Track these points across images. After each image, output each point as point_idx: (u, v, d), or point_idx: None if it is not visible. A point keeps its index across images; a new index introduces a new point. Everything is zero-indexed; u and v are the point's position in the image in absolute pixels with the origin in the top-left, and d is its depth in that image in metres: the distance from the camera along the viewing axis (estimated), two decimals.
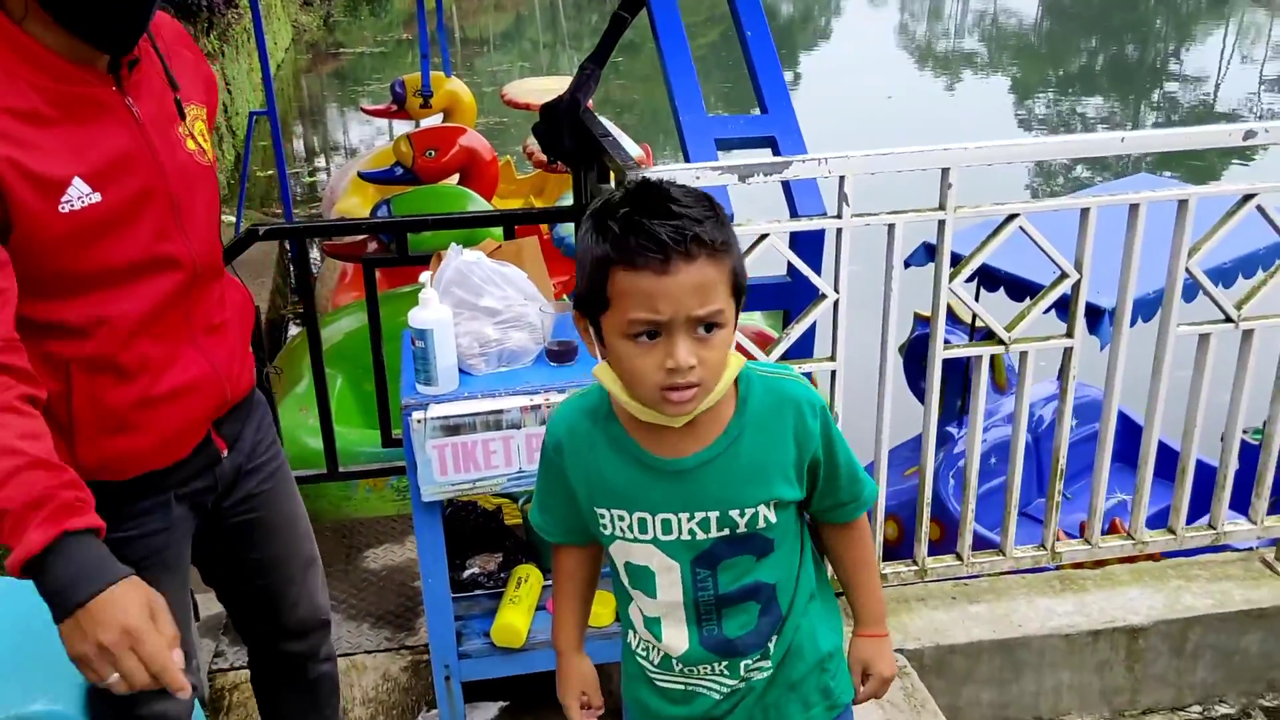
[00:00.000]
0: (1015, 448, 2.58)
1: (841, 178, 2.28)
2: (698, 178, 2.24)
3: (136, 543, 1.59)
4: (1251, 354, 2.56)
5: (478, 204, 5.21)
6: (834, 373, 2.45)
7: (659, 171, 2.22)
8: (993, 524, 4.57)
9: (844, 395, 2.46)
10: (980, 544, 2.74)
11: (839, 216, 2.31)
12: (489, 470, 2.08)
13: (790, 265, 2.52)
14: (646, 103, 14.53)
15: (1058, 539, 2.70)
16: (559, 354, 2.17)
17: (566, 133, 2.74)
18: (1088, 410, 4.52)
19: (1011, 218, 2.35)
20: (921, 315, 5.05)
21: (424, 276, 2.04)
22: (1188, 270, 2.43)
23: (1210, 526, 2.76)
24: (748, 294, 1.30)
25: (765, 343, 2.48)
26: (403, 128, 7.79)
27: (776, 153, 2.58)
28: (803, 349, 2.46)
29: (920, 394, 4.96)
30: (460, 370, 2.12)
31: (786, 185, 2.51)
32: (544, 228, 5.43)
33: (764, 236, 2.31)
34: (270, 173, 9.71)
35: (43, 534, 1.22)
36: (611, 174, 2.49)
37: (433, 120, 7.60)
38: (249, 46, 13.65)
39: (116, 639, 1.24)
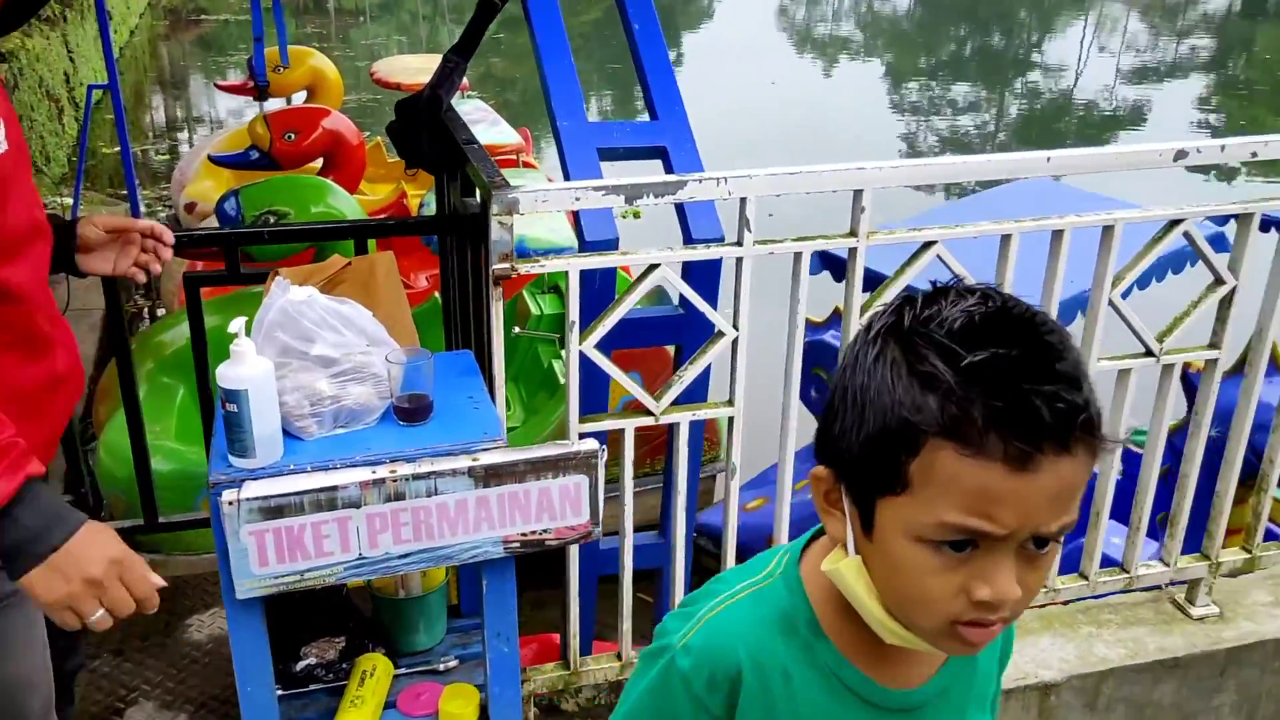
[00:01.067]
0: None
1: (743, 200, 1.98)
2: (578, 199, 1.91)
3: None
4: (1171, 389, 2.37)
5: (338, 197, 4.75)
6: (731, 419, 2.15)
7: (530, 192, 1.88)
8: None
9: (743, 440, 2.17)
10: None
11: (739, 244, 2.01)
12: (321, 559, 1.71)
13: (683, 297, 2.21)
14: (529, 81, 14.08)
15: None
16: (409, 411, 1.82)
17: (426, 135, 2.37)
18: None
19: (928, 245, 2.09)
20: (813, 320, 4.83)
21: (235, 325, 1.65)
22: (1110, 302, 2.21)
23: (1123, 569, 2.57)
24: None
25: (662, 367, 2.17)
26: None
27: (668, 165, 2.27)
28: (695, 390, 2.16)
29: (810, 403, 4.78)
30: (286, 435, 1.75)
31: (680, 205, 2.19)
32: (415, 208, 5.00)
33: (653, 267, 1.99)
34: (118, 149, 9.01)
35: (7, 483, 1.28)
36: (476, 190, 2.13)
37: (295, 100, 7.06)
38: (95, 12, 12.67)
39: (105, 569, 1.33)
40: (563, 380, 4.82)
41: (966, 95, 16.86)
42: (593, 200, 1.91)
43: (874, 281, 2.11)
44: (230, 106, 12.62)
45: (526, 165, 6.36)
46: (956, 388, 0.80)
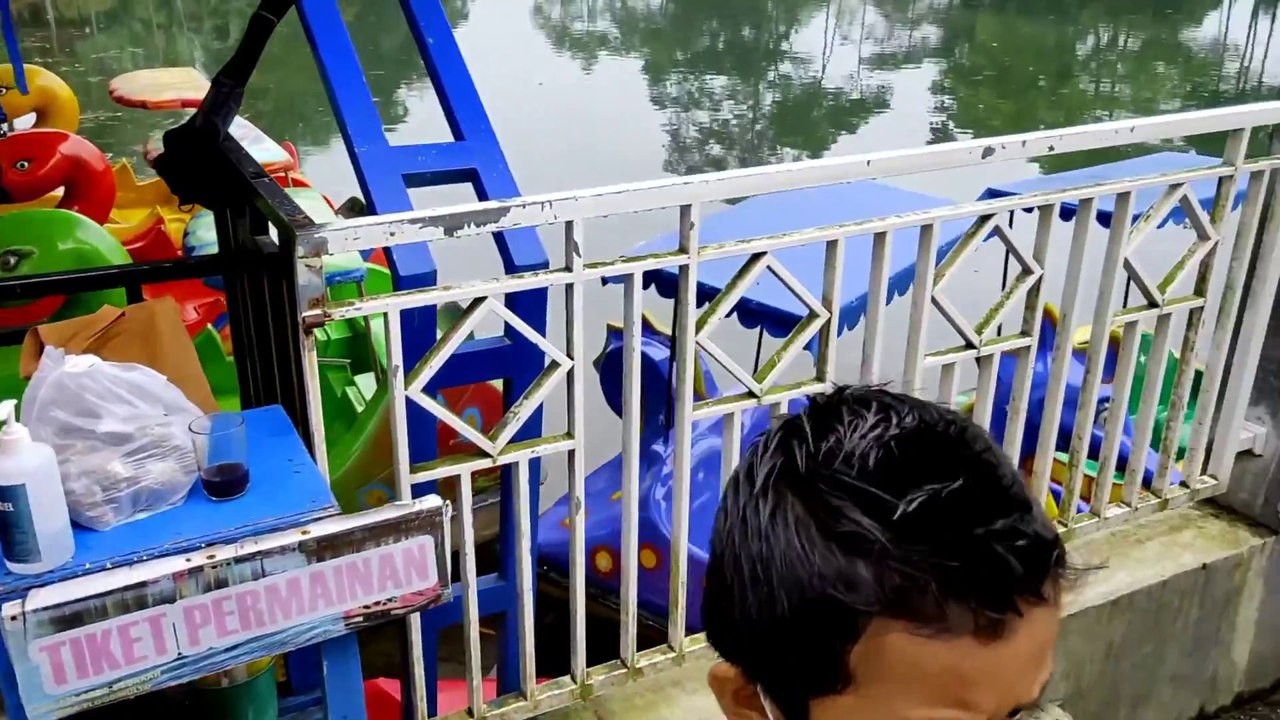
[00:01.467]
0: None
1: (569, 223, 1.87)
2: (392, 234, 1.74)
3: None
4: (990, 380, 2.43)
5: (89, 231, 4.31)
6: (572, 452, 2.04)
7: (339, 230, 1.70)
8: (705, 541, 4.41)
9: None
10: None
11: (569, 269, 1.90)
12: (133, 665, 1.48)
13: (509, 325, 2.08)
14: (282, 88, 13.40)
15: None
16: (222, 485, 1.61)
17: (203, 168, 2.13)
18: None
19: (757, 256, 2.05)
20: (614, 326, 4.78)
21: (2, 410, 1.40)
22: (934, 299, 2.24)
23: None
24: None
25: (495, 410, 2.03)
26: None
27: (480, 188, 2.12)
28: (530, 424, 2.03)
29: (620, 408, 4.73)
30: (76, 528, 1.50)
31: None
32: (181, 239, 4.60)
33: (479, 301, 1.85)
34: None
35: None
36: (271, 226, 1.92)
37: (23, 124, 6.38)
38: None
39: None
40: (359, 409, 4.57)
41: (724, 87, 17.41)
42: (409, 234, 1.75)
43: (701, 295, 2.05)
44: None
45: (297, 184, 6.01)
46: (893, 548, 0.62)
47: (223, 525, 1.55)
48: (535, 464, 2.06)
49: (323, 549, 1.57)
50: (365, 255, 4.74)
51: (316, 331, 3.44)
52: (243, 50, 2.19)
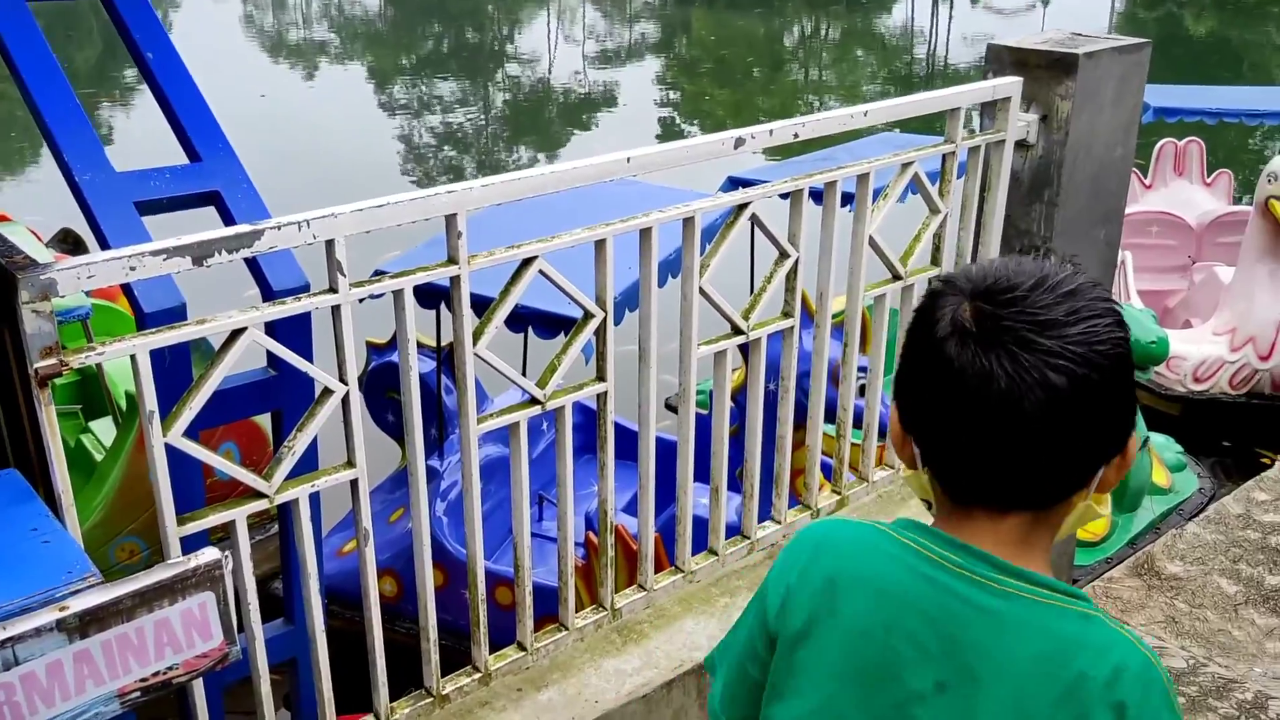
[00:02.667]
0: (519, 530, 2.27)
1: (330, 242, 1.77)
2: (133, 268, 1.59)
3: None
4: (760, 362, 2.51)
5: None
6: (355, 482, 1.94)
7: (69, 268, 1.53)
8: (490, 551, 4.33)
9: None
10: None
11: (334, 290, 1.80)
12: None
13: (272, 354, 1.95)
14: None
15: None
16: None
17: None
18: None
19: (528, 262, 2.01)
20: (374, 343, 4.61)
21: None
22: (701, 290, 2.29)
23: (744, 536, 2.71)
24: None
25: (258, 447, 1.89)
26: None
27: (224, 210, 1.97)
28: (306, 459, 1.91)
29: (387, 427, 4.57)
30: None
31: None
32: None
33: (239, 332, 1.72)
34: None
35: None
36: None
37: None
38: None
39: None
40: (98, 457, 4.19)
41: (453, 91, 17.26)
42: (152, 267, 1.60)
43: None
44: None
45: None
46: None
47: None
48: (316, 499, 1.95)
49: (86, 624, 1.41)
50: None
51: None
52: None
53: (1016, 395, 0.98)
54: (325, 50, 21.13)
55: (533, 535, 4.35)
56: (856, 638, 1.09)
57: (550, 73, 19.29)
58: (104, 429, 4.32)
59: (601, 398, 2.23)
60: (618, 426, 2.32)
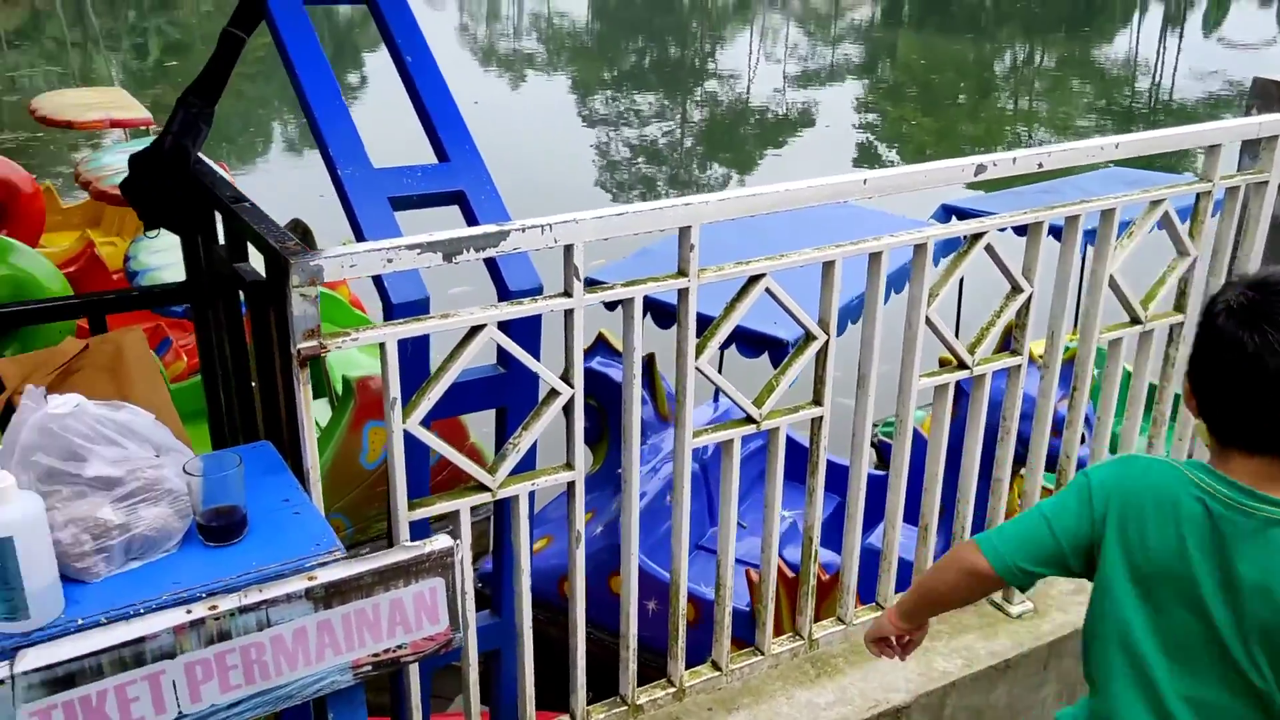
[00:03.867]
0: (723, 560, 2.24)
1: (569, 247, 1.81)
2: (390, 260, 1.66)
3: None
4: (983, 399, 2.42)
5: (23, 256, 4.12)
6: (571, 484, 1.97)
7: (335, 256, 1.62)
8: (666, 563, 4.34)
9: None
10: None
11: (568, 294, 1.84)
12: None
13: (502, 352, 2.01)
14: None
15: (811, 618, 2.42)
16: (220, 530, 1.51)
17: (173, 192, 2.03)
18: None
19: (755, 279, 2.01)
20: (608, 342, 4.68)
21: None
22: (927, 319, 2.22)
23: None
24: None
25: (457, 440, 1.94)
26: None
27: (467, 210, 2.05)
28: (527, 457, 1.96)
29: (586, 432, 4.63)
30: (64, 580, 1.40)
31: None
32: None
33: (477, 329, 1.78)
34: None
35: None
36: (254, 252, 1.83)
37: None
38: None
39: None
40: None
41: (651, 105, 17.48)
42: (407, 260, 1.68)
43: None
44: None
45: None
46: None
47: (223, 573, 1.46)
48: (532, 497, 1.99)
49: (330, 596, 1.48)
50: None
51: None
52: (211, 68, 2.09)
53: (1262, 359, 1.34)
54: (533, 61, 21.79)
55: (710, 550, 4.34)
56: (1161, 545, 1.44)
57: (749, 90, 19.29)
58: (319, 409, 4.56)
59: (816, 423, 2.20)
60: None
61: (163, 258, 4.27)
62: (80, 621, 1.36)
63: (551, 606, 3.16)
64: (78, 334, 3.78)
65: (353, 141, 2.00)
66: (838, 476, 2.51)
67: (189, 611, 1.40)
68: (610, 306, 2.00)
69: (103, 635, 1.35)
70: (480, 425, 3.89)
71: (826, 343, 2.12)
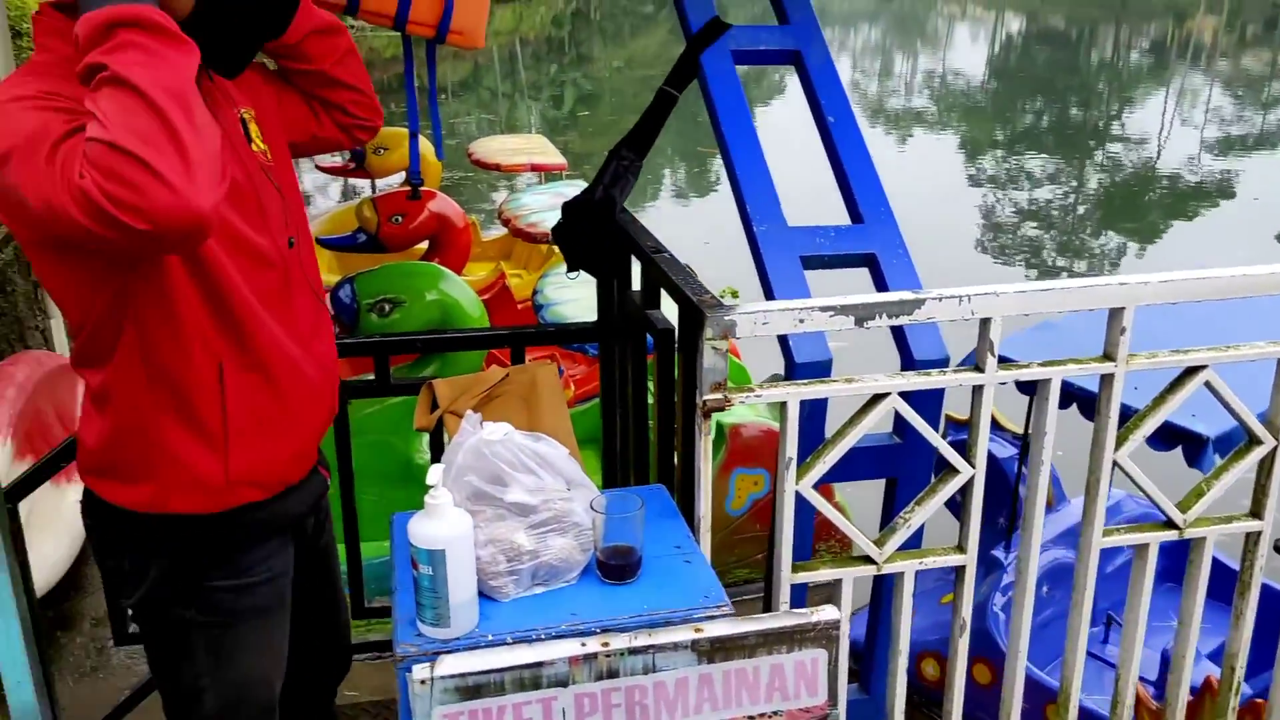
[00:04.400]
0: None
1: (985, 321, 1.72)
2: (801, 320, 1.66)
3: (263, 588, 1.63)
4: None
5: (451, 284, 4.59)
6: (962, 569, 1.86)
7: (749, 313, 1.64)
8: (1045, 662, 4.02)
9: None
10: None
11: (979, 369, 1.74)
12: None
13: (899, 421, 1.94)
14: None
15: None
16: (617, 569, 1.56)
17: (599, 240, 2.15)
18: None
19: (1194, 370, 1.80)
20: (953, 418, 4.51)
21: (434, 474, 1.42)
22: None
23: None
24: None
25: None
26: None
27: (877, 273, 2.01)
28: (915, 533, 1.87)
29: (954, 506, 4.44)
30: (479, 594, 1.50)
31: None
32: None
33: (880, 397, 1.73)
34: None
35: None
36: (673, 302, 1.90)
37: (393, 181, 6.99)
38: None
39: None
40: None
41: (1044, 167, 16.59)
42: (818, 322, 1.67)
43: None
44: (317, 184, 12.65)
45: None
46: None
47: (616, 612, 1.50)
48: (917, 577, 1.90)
49: (714, 650, 1.48)
50: None
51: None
52: (644, 124, 2.21)
53: None
54: (921, 119, 21.47)
55: (1091, 656, 3.97)
56: None
57: (1158, 156, 17.81)
58: None
59: (1252, 538, 1.94)
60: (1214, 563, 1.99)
61: (566, 294, 4.58)
62: (490, 638, 1.46)
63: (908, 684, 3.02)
64: (486, 359, 4.14)
65: (770, 199, 2.03)
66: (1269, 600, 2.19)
67: (583, 644, 1.45)
68: (1022, 387, 1.88)
69: (509, 654, 1.43)
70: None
71: (1275, 449, 1.86)
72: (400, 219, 5.59)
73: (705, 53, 2.18)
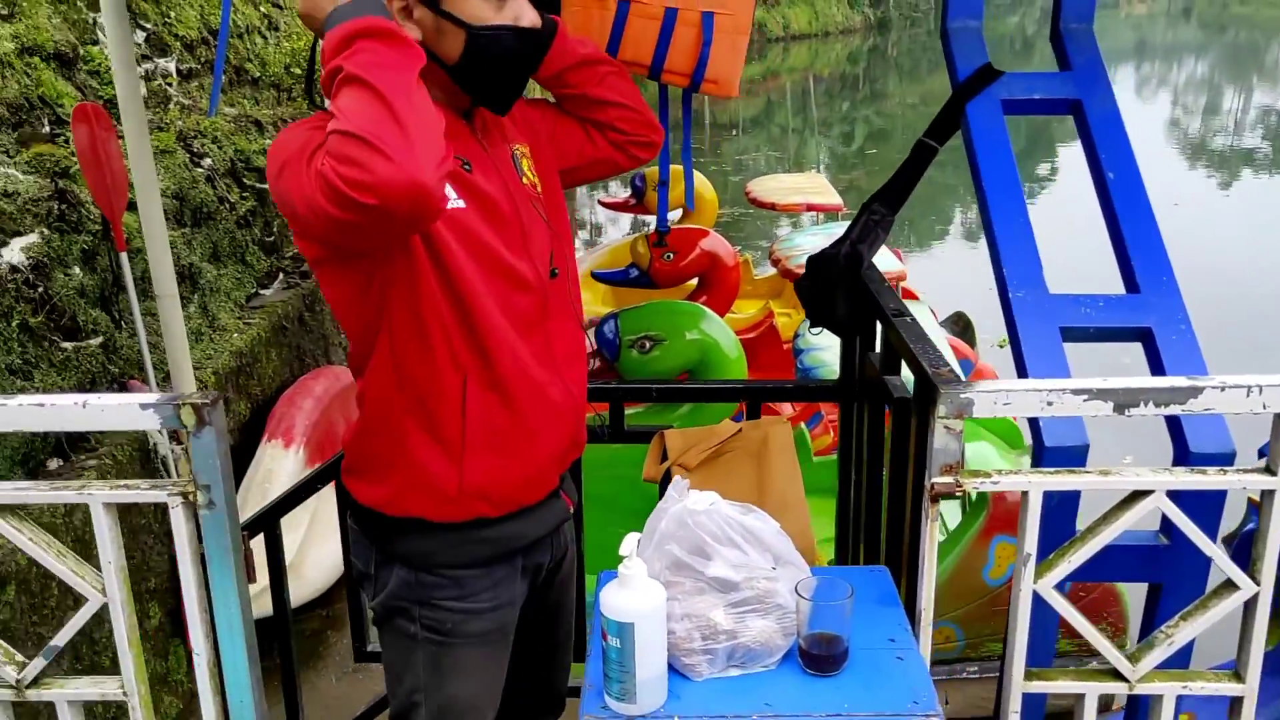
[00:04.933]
0: None
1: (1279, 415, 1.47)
2: (1050, 404, 1.48)
3: (488, 615, 1.64)
4: None
5: (711, 324, 4.58)
6: (1238, 700, 1.60)
7: (989, 392, 1.48)
8: None
9: None
10: None
11: (1271, 472, 1.50)
12: None
13: (1167, 520, 1.71)
14: (864, 190, 13.62)
15: None
16: (820, 658, 1.45)
17: (842, 296, 2.05)
18: None
19: None
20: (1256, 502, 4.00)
21: (627, 544, 1.37)
22: None
23: None
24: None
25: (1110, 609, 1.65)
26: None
27: (1152, 351, 1.78)
28: (1181, 652, 1.63)
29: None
30: (670, 669, 1.44)
31: None
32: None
33: (1140, 494, 1.52)
34: None
35: None
36: (910, 371, 1.77)
37: (671, 217, 7.11)
38: None
39: None
40: (940, 538, 4.29)
41: None
42: (1070, 406, 1.48)
43: None
44: (610, 217, 13.09)
45: (907, 294, 5.94)
46: None
47: (814, 706, 1.39)
48: (1179, 702, 1.65)
49: None
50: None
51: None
52: (901, 178, 2.08)
53: None
54: (1251, 158, 19.50)
55: None
56: None
57: None
58: (951, 511, 4.42)
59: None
60: None
61: (826, 339, 4.44)
62: (677, 718, 1.39)
63: None
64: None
65: (1031, 264, 1.85)
66: None
67: None
68: None
69: None
70: None
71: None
72: (672, 255, 5.65)
73: (972, 102, 2.03)
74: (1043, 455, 1.67)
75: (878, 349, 2.07)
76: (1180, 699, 1.63)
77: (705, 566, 1.46)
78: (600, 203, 8.93)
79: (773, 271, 7.03)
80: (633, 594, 1.36)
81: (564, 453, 1.68)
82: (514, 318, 1.56)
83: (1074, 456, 1.65)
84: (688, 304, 5.04)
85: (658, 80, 2.37)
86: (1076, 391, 1.48)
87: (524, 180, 1.65)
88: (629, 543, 1.37)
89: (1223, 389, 1.46)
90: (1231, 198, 16.18)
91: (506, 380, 1.55)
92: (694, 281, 5.85)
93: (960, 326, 6.43)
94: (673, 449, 2.25)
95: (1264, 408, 1.47)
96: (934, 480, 1.52)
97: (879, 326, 2.02)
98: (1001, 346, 6.40)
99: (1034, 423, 1.71)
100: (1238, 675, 1.60)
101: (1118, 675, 1.61)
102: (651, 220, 6.96)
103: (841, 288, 2.05)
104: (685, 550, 1.47)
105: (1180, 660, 1.67)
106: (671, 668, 1.45)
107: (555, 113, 1.81)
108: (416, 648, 1.64)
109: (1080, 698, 1.62)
